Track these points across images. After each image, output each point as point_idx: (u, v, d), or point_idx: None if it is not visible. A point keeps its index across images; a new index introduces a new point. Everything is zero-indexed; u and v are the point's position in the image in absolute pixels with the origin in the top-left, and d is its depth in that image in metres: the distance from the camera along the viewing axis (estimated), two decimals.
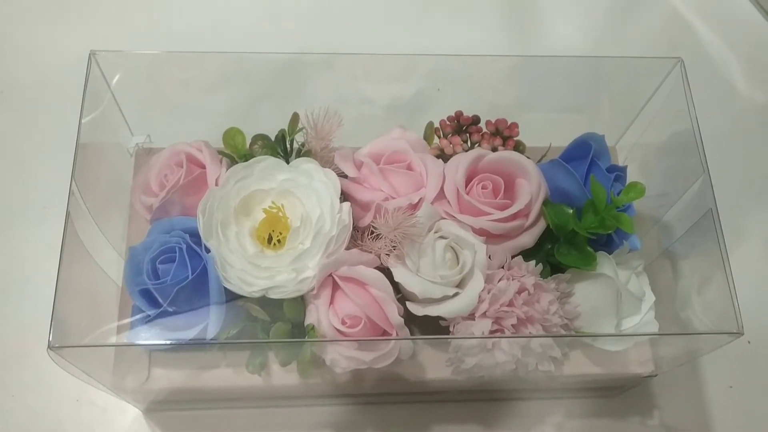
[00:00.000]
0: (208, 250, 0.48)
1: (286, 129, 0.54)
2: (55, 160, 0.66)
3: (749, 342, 0.65)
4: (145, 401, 0.57)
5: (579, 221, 0.51)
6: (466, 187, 0.52)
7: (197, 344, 0.47)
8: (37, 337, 0.60)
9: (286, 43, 0.57)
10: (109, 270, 0.54)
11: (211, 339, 0.47)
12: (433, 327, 0.51)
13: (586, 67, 0.56)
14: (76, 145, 0.48)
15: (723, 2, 0.81)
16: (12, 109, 0.71)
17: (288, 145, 0.54)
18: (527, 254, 0.52)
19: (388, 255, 0.50)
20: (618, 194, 0.51)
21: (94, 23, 0.74)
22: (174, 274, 0.48)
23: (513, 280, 0.50)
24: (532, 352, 0.50)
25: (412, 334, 0.50)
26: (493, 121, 0.56)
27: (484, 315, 0.49)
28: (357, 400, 0.59)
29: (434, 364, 0.53)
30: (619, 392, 0.61)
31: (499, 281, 0.50)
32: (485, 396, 0.61)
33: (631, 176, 0.58)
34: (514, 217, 0.51)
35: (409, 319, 0.50)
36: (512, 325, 0.49)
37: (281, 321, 0.48)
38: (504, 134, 0.56)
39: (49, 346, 0.41)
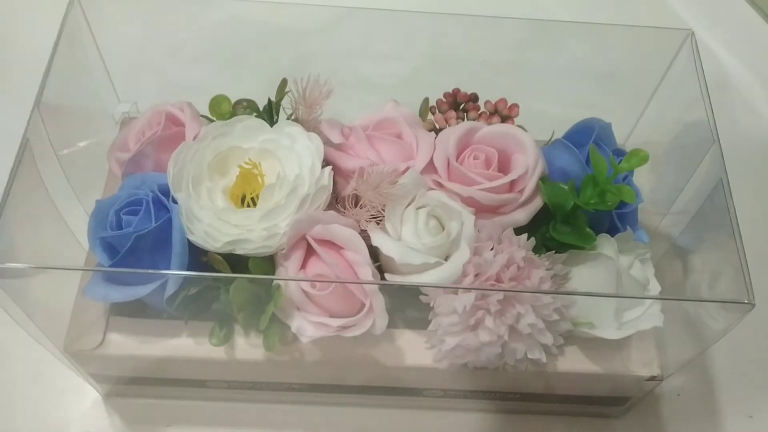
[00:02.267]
0: (175, 202, 0.45)
1: (274, 97, 0.52)
2: None
3: None
4: (105, 382, 0.52)
5: (578, 197, 0.47)
6: (457, 158, 0.49)
7: (142, 274, 0.44)
8: None
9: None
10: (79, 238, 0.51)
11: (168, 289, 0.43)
12: (413, 302, 0.47)
13: (589, 46, 0.54)
14: (43, 82, 0.45)
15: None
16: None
17: (274, 113, 0.52)
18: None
19: (368, 221, 0.46)
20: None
21: None
22: (137, 225, 0.45)
23: (501, 253, 0.45)
24: (521, 336, 0.45)
25: (390, 311, 0.46)
26: (493, 102, 0.54)
27: (467, 291, 0.45)
28: (333, 398, 0.54)
29: (414, 350, 0.48)
30: (624, 409, 0.55)
31: (485, 254, 0.45)
32: (474, 406, 0.55)
33: (642, 175, 0.54)
34: (507, 188, 0.47)
35: (387, 293, 0.45)
36: (498, 301, 0.44)
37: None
38: (503, 114, 0.53)
39: None
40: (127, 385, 0.53)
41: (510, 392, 0.53)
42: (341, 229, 0.45)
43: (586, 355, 0.49)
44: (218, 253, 0.44)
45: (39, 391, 0.55)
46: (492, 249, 0.46)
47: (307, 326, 0.44)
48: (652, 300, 0.47)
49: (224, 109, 0.53)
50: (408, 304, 0.49)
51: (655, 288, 0.48)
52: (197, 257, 0.45)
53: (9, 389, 0.55)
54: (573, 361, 0.49)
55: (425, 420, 0.56)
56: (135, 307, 0.49)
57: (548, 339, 0.46)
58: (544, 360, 0.46)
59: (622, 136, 0.58)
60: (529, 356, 0.46)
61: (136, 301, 0.48)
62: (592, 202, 0.46)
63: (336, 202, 0.48)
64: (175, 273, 0.43)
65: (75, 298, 0.49)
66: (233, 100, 0.53)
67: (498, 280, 0.45)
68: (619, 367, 0.49)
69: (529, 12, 0.51)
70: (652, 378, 0.49)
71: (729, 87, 0.74)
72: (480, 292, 0.45)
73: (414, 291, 0.47)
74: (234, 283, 0.43)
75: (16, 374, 0.56)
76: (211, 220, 0.45)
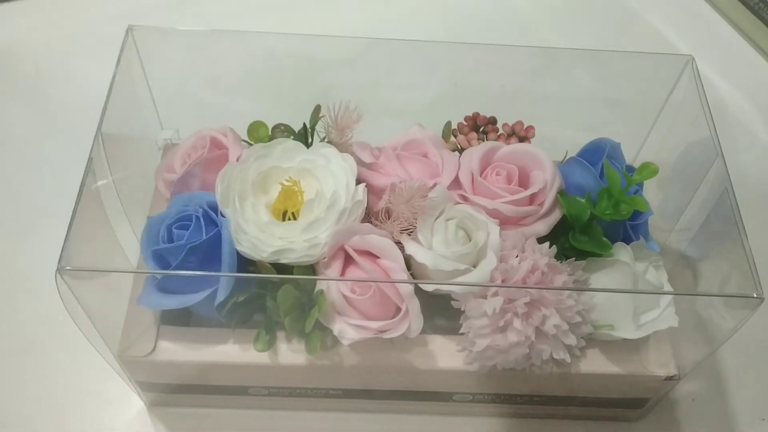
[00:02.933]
0: (223, 216, 0.49)
1: (308, 121, 0.56)
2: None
3: None
4: (150, 389, 0.56)
5: (594, 208, 0.51)
6: (481, 174, 0.53)
7: (198, 278, 0.47)
8: (47, 327, 0.61)
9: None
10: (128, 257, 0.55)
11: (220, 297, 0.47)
12: (444, 311, 0.50)
13: (595, 72, 0.58)
14: (105, 106, 0.49)
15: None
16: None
17: (309, 136, 0.56)
18: None
19: (400, 233, 0.50)
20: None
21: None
22: (188, 237, 0.49)
23: (526, 260, 0.49)
24: (546, 337, 0.49)
25: (423, 316, 0.49)
26: (511, 124, 0.58)
27: (495, 294, 0.48)
28: (367, 405, 0.57)
29: (446, 354, 0.52)
30: (642, 412, 0.58)
31: (511, 261, 0.49)
32: (500, 411, 0.58)
33: (650, 191, 0.58)
34: (527, 201, 0.51)
35: (421, 301, 0.49)
36: (525, 304, 0.48)
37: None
38: (520, 135, 0.57)
39: (59, 269, 0.41)
40: (172, 393, 0.56)
41: (535, 395, 0.56)
42: (378, 239, 0.48)
43: (607, 357, 0.52)
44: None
45: (87, 402, 0.58)
46: (517, 256, 0.49)
47: (348, 329, 0.48)
48: (667, 302, 0.50)
49: (262, 134, 0.57)
50: (439, 313, 0.52)
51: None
52: (245, 267, 0.49)
53: (59, 401, 0.58)
54: (594, 363, 0.52)
55: (454, 426, 0.58)
56: (184, 317, 0.53)
57: (572, 340, 0.49)
58: (569, 360, 0.50)
59: (629, 157, 0.62)
60: (555, 356, 0.49)
61: (185, 311, 0.52)
62: (608, 212, 0.50)
63: (369, 217, 0.52)
64: (228, 275, 0.47)
65: (127, 308, 0.52)
66: (269, 126, 0.57)
67: (524, 283, 0.48)
68: (637, 368, 0.52)
69: (534, 41, 0.56)
70: (670, 378, 0.52)
71: (726, 113, 0.79)
72: (507, 296, 0.48)
73: (444, 300, 0.50)
74: (281, 288, 0.47)
75: (65, 387, 0.59)
76: (257, 233, 0.49)
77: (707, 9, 0.89)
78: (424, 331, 0.49)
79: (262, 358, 0.51)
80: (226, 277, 0.48)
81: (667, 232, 0.59)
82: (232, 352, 0.51)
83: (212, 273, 0.47)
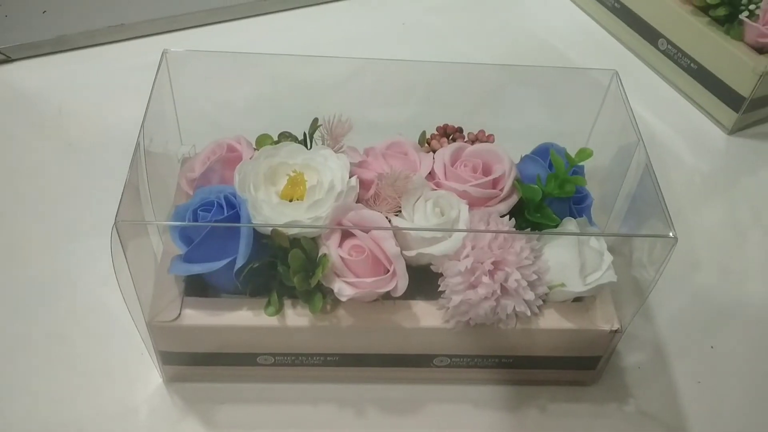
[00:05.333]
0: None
1: (308, 130, 0.68)
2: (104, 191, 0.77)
3: (712, 347, 0.73)
4: (170, 361, 0.63)
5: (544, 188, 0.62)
6: (452, 166, 0.64)
7: (230, 226, 0.57)
8: (75, 323, 0.69)
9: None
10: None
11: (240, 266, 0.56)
12: (424, 276, 0.60)
13: (541, 86, 0.71)
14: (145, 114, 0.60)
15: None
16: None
17: (308, 144, 0.67)
18: None
19: (388, 213, 0.60)
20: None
21: None
22: (212, 216, 0.58)
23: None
24: (509, 294, 0.59)
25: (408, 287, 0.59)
26: (475, 132, 0.70)
27: (467, 257, 0.59)
28: (359, 372, 0.66)
29: (427, 314, 0.61)
30: (596, 374, 0.67)
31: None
32: (474, 376, 0.67)
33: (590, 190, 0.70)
34: (490, 185, 0.63)
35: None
36: (491, 263, 0.58)
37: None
38: (482, 141, 0.69)
39: (116, 222, 0.50)
40: (188, 366, 0.64)
41: (503, 357, 0.65)
42: (369, 212, 0.59)
43: (561, 315, 0.62)
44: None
45: (111, 382, 0.66)
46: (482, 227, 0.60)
47: (345, 287, 0.57)
48: (607, 266, 0.61)
49: (268, 144, 0.68)
50: (419, 285, 0.62)
51: (608, 257, 0.62)
52: (260, 240, 0.59)
53: (85, 382, 0.66)
54: (551, 321, 0.62)
55: (434, 392, 0.67)
56: (203, 291, 0.62)
57: (530, 295, 0.59)
58: (528, 313, 0.60)
59: None
60: (516, 309, 0.59)
61: (203, 287, 0.61)
62: (555, 191, 0.62)
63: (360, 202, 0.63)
64: (248, 225, 0.57)
65: (154, 283, 0.61)
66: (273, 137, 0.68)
67: (489, 248, 0.59)
68: (587, 324, 0.62)
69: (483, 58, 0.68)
70: (614, 331, 0.62)
71: (652, 139, 0.92)
72: (476, 259, 0.58)
73: (424, 273, 0.61)
74: (291, 252, 0.57)
75: (89, 371, 0.66)
76: (269, 212, 0.59)
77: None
78: (408, 297, 0.59)
79: (272, 321, 0.60)
80: (245, 245, 0.57)
81: (604, 221, 0.71)
82: (246, 316, 0.60)
83: (240, 224, 0.57)
